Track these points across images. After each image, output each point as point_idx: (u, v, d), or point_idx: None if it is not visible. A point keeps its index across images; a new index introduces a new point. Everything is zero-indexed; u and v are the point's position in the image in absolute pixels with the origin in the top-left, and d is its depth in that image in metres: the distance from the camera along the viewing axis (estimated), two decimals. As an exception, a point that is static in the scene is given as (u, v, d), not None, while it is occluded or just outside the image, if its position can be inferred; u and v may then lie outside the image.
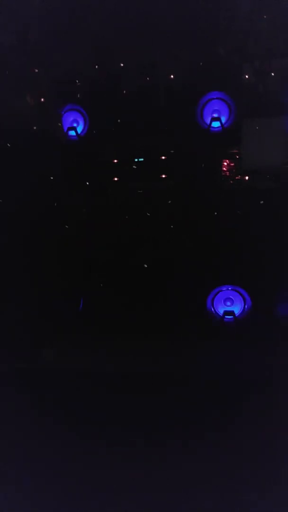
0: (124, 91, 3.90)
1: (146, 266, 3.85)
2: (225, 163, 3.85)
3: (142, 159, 3.94)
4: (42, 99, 3.98)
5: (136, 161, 3.95)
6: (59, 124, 3.89)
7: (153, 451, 3.31)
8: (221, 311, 3.73)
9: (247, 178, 3.83)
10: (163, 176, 3.89)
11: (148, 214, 3.89)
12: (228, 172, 3.86)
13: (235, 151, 3.83)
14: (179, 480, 3.21)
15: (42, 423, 3.42)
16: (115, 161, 3.96)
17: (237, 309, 3.73)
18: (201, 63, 3.78)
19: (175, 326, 3.69)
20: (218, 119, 3.71)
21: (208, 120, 3.73)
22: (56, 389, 3.57)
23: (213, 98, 3.71)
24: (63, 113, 3.89)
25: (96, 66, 3.92)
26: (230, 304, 3.74)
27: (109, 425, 3.41)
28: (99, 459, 3.31)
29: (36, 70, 3.96)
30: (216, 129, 3.73)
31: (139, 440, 3.36)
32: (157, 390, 3.48)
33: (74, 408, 3.47)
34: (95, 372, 3.70)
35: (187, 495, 3.18)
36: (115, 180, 3.97)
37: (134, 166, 3.95)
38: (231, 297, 3.74)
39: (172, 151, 3.89)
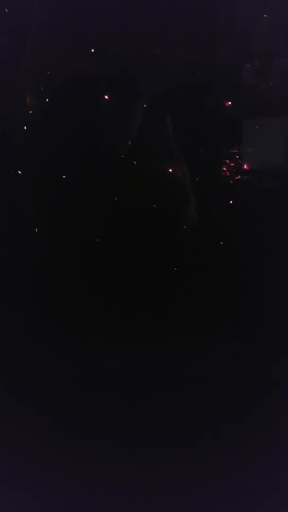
0: (124, 91, 3.90)
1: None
2: (225, 163, 3.86)
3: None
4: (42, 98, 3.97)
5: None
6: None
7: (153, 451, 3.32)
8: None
9: (247, 178, 3.84)
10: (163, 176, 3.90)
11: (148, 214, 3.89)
12: (228, 172, 3.86)
13: (235, 151, 3.84)
14: (180, 480, 3.23)
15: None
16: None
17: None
18: (201, 63, 3.79)
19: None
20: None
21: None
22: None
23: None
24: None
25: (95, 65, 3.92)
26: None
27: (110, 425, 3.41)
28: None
29: (35, 70, 3.95)
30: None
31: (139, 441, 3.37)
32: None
33: (74, 409, 3.47)
34: (96, 373, 3.70)
35: (187, 495, 3.19)
36: (114, 178, 3.96)
37: (134, 162, 3.95)
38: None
39: (172, 151, 3.89)
